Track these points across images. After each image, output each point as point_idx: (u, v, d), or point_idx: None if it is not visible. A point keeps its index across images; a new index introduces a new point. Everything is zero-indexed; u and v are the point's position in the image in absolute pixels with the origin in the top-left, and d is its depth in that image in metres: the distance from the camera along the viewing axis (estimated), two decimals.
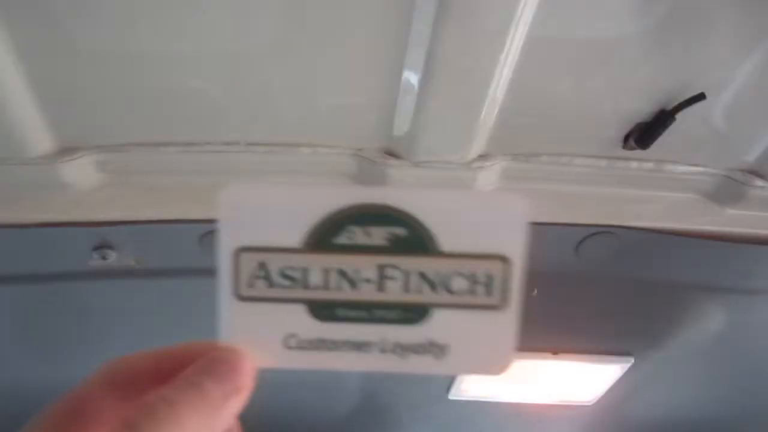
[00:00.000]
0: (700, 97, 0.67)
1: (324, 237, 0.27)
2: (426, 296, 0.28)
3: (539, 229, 0.76)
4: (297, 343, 0.28)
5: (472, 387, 1.29)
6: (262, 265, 0.27)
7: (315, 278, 0.28)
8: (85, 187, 0.74)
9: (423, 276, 0.28)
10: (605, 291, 1.00)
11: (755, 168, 0.80)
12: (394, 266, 0.27)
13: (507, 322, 0.28)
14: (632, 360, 1.17)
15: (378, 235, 0.27)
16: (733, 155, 0.79)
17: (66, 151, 0.71)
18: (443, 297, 0.28)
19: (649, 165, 0.80)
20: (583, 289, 0.99)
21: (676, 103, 0.69)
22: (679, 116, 0.69)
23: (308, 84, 0.66)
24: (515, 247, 0.27)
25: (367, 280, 0.28)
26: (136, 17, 0.57)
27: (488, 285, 0.27)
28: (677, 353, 1.17)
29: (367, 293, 0.28)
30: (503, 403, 1.35)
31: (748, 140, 0.77)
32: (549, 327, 1.06)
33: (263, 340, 0.28)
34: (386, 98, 0.67)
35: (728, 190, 0.82)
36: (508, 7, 0.55)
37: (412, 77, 0.64)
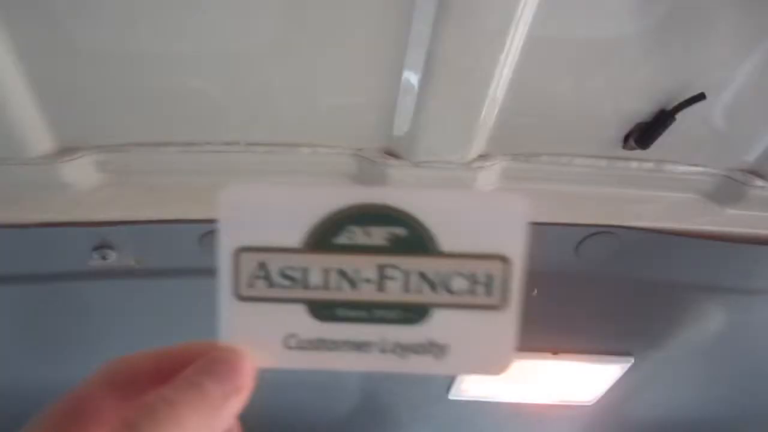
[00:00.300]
0: (700, 97, 0.67)
1: (324, 237, 0.27)
2: (426, 296, 0.28)
3: (539, 229, 0.76)
4: (297, 343, 0.28)
5: (472, 387, 1.29)
6: (262, 265, 0.27)
7: (315, 278, 0.28)
8: (85, 187, 0.74)
9: (423, 276, 0.28)
10: (605, 291, 1.00)
11: (755, 168, 0.80)
12: (394, 266, 0.27)
13: (507, 322, 0.28)
14: (632, 360, 1.17)
15: (378, 235, 0.27)
16: (733, 155, 0.79)
17: (66, 151, 0.71)
18: (443, 297, 0.28)
19: (649, 165, 0.80)
20: (583, 289, 0.99)
21: (676, 103, 0.69)
22: (679, 116, 0.69)
23: (308, 84, 0.66)
24: (515, 247, 0.27)
25: (367, 280, 0.28)
26: (136, 17, 0.57)
27: (488, 285, 0.27)
28: (677, 353, 1.17)
29: (367, 293, 0.28)
30: (503, 403, 1.35)
31: (748, 140, 0.77)
32: (549, 327, 1.06)
33: (263, 340, 0.28)
34: (386, 98, 0.67)
35: (728, 190, 0.82)
36: (508, 7, 0.55)
37: (412, 77, 0.64)
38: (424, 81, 0.63)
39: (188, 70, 0.63)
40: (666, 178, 0.81)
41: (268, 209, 0.27)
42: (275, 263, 0.27)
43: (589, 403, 1.35)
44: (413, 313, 0.28)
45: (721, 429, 1.45)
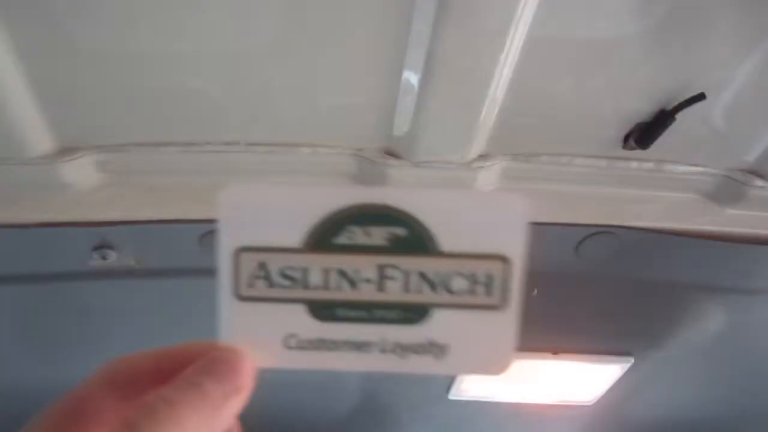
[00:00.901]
0: (700, 97, 0.67)
1: (324, 237, 0.27)
2: (426, 296, 0.28)
3: (539, 229, 0.76)
4: (297, 343, 0.28)
5: (472, 387, 1.29)
6: (262, 265, 0.27)
7: (315, 278, 0.28)
8: (85, 187, 0.74)
9: (423, 276, 0.28)
10: (605, 291, 1.00)
11: (755, 168, 0.80)
12: (394, 266, 0.27)
13: (507, 322, 0.28)
14: (632, 360, 1.17)
15: (378, 235, 0.27)
16: (733, 155, 0.79)
17: (66, 151, 0.71)
18: (443, 297, 0.28)
19: (649, 165, 0.80)
20: (583, 289, 0.99)
21: (676, 103, 0.69)
22: (679, 116, 0.69)
23: (308, 84, 0.66)
24: (515, 247, 0.27)
25: (367, 280, 0.28)
26: (136, 17, 0.57)
27: (488, 285, 0.27)
28: (677, 353, 1.17)
29: (367, 293, 0.28)
30: (503, 403, 1.35)
31: (748, 140, 0.77)
32: (549, 327, 1.06)
33: (263, 340, 0.28)
34: (386, 98, 0.67)
35: (728, 190, 0.82)
36: (508, 7, 0.55)
37: (412, 77, 0.64)
38: (424, 81, 0.63)
39: (188, 70, 0.63)
40: (666, 178, 0.81)
41: (268, 209, 0.27)
42: (275, 263, 0.27)
43: (589, 403, 1.35)
44: (413, 313, 0.28)
45: (721, 429, 1.45)
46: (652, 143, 0.73)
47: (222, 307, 0.28)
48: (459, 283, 0.28)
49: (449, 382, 1.28)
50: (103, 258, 0.80)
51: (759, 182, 0.80)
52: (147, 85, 0.65)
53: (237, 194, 0.27)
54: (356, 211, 0.27)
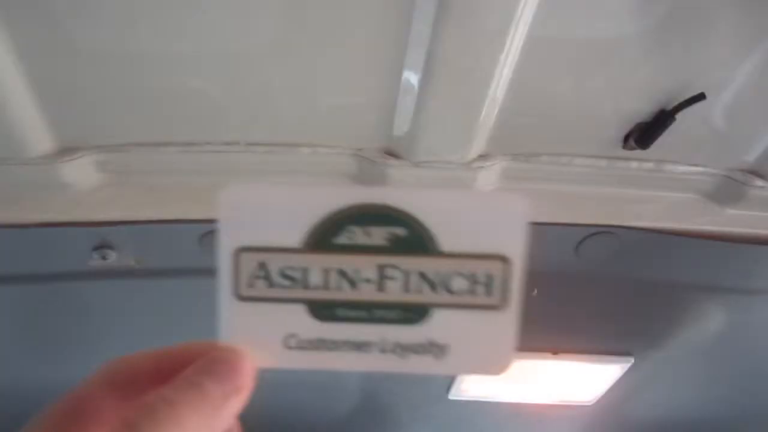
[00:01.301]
0: (700, 97, 0.67)
1: (324, 237, 0.27)
2: (426, 296, 0.28)
3: (539, 229, 0.76)
4: (297, 343, 0.28)
5: (472, 387, 1.29)
6: (262, 265, 0.27)
7: (315, 278, 0.28)
8: (85, 187, 0.74)
9: (423, 276, 0.28)
10: (605, 291, 1.00)
11: (755, 168, 0.80)
12: (394, 266, 0.27)
13: (507, 322, 0.28)
14: (632, 360, 1.18)
15: (378, 235, 0.27)
16: (733, 155, 0.79)
17: (66, 151, 0.71)
18: (443, 297, 0.28)
19: (649, 165, 0.80)
20: (583, 289, 0.99)
21: (676, 103, 0.69)
22: (679, 116, 0.69)
23: (308, 84, 0.66)
24: (515, 247, 0.27)
25: (367, 280, 0.28)
26: (136, 17, 0.57)
27: (488, 285, 0.27)
28: (677, 353, 1.17)
29: (367, 293, 0.28)
30: (503, 403, 1.35)
31: (748, 140, 0.77)
32: (549, 327, 1.06)
33: (263, 340, 0.28)
34: (386, 98, 0.67)
35: (728, 190, 0.82)
36: (508, 7, 0.55)
37: (412, 77, 0.64)
38: (424, 81, 0.63)
39: (188, 70, 0.63)
40: (666, 178, 0.81)
41: (268, 209, 0.27)
42: (275, 263, 0.27)
43: (589, 403, 1.35)
44: (413, 313, 0.28)
45: (721, 429, 1.45)
46: (652, 143, 0.73)
47: (222, 307, 0.28)
48: (459, 283, 0.28)
49: (449, 382, 1.28)
50: (103, 258, 0.80)
51: (759, 182, 0.80)
52: (147, 85, 0.65)
53: (237, 194, 0.27)
54: (356, 211, 0.27)
